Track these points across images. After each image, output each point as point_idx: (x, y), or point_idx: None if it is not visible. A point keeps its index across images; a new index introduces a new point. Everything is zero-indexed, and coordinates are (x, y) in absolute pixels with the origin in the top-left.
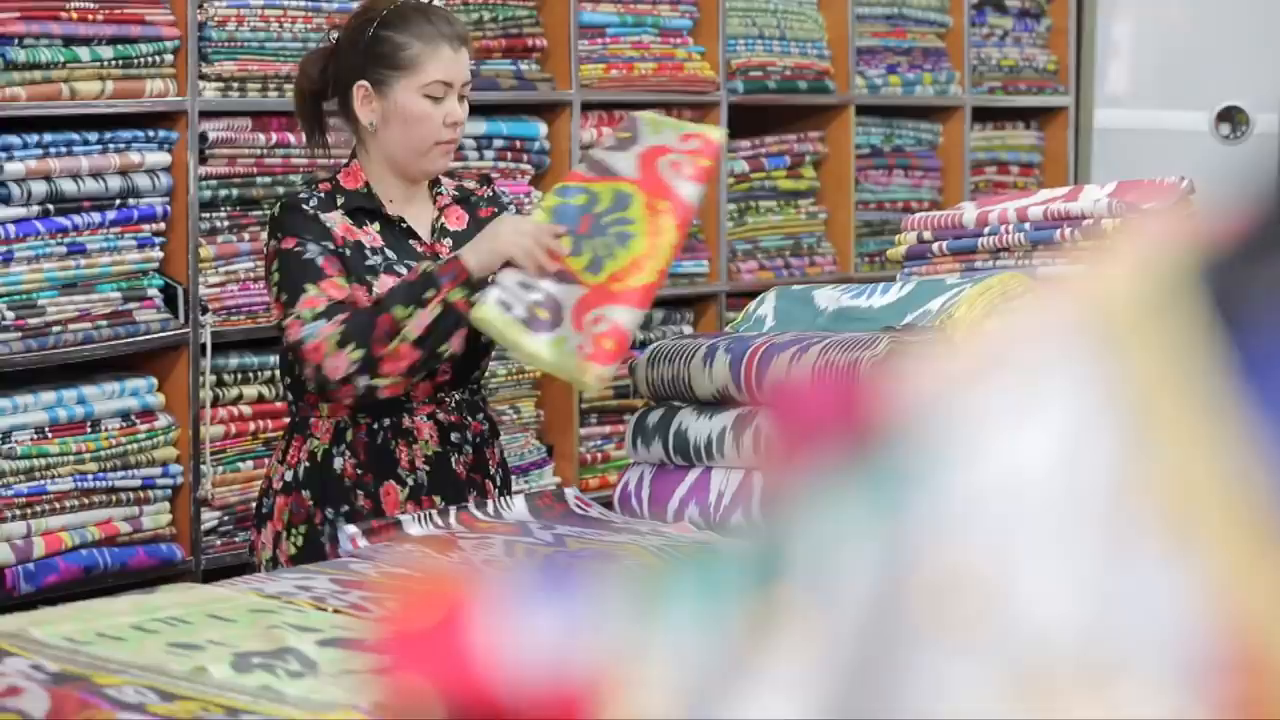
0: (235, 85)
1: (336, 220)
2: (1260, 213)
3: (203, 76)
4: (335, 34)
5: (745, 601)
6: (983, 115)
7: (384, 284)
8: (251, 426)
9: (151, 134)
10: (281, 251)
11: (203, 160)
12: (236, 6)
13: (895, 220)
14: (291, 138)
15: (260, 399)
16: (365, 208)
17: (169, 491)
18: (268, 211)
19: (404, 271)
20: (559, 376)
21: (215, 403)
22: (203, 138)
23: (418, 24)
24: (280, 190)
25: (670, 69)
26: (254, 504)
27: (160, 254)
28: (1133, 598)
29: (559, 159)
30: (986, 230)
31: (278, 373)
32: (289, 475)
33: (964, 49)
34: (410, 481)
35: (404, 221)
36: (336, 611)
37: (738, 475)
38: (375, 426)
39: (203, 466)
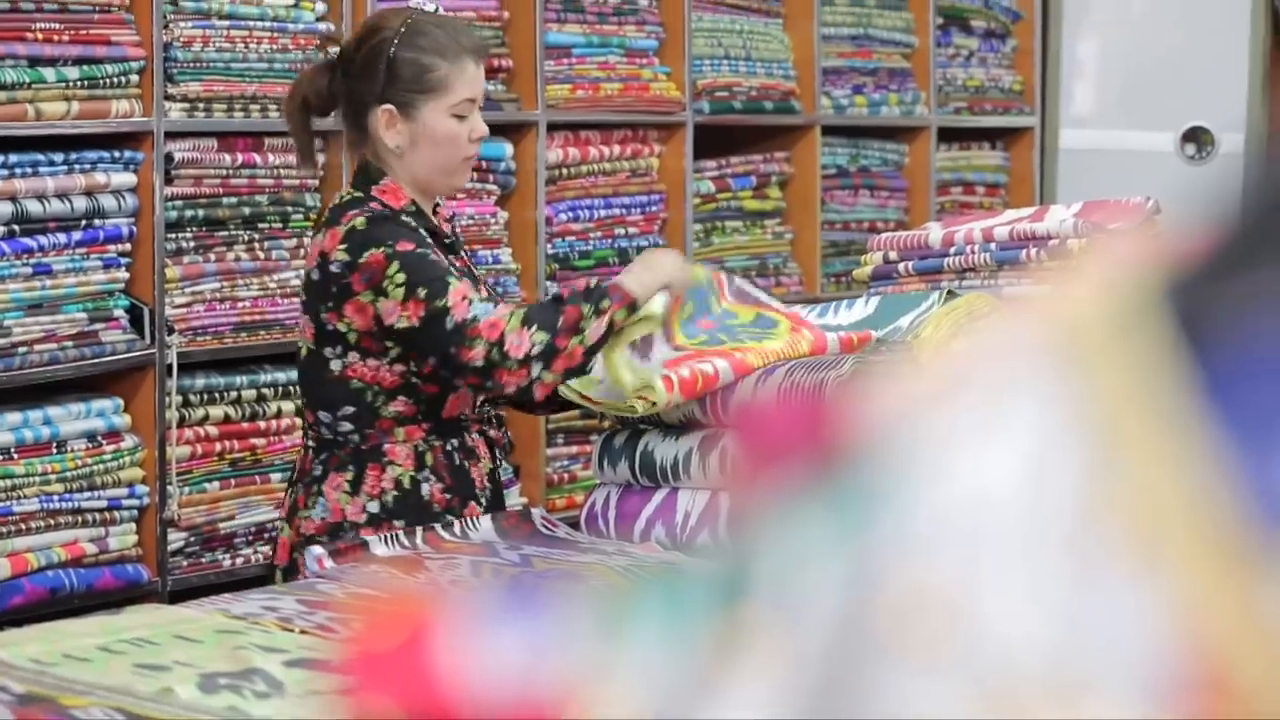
0: (201, 106)
1: (425, 239)
2: (1225, 232)
3: (168, 97)
4: (334, 50)
5: (711, 621)
6: (948, 135)
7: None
8: (218, 447)
9: (117, 154)
10: (401, 254)
11: (168, 181)
12: (202, 27)
13: (861, 241)
14: (257, 158)
15: (226, 419)
16: (426, 227)
17: (135, 512)
18: (235, 233)
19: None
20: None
21: (181, 423)
22: (168, 158)
23: (440, 42)
24: (246, 211)
25: (636, 89)
26: (306, 541)
27: (126, 275)
28: (1099, 617)
29: (525, 179)
30: (952, 250)
31: (306, 404)
32: (374, 507)
33: (929, 69)
34: (484, 500)
35: (447, 237)
36: (303, 632)
37: (704, 496)
38: (449, 448)
39: (169, 487)
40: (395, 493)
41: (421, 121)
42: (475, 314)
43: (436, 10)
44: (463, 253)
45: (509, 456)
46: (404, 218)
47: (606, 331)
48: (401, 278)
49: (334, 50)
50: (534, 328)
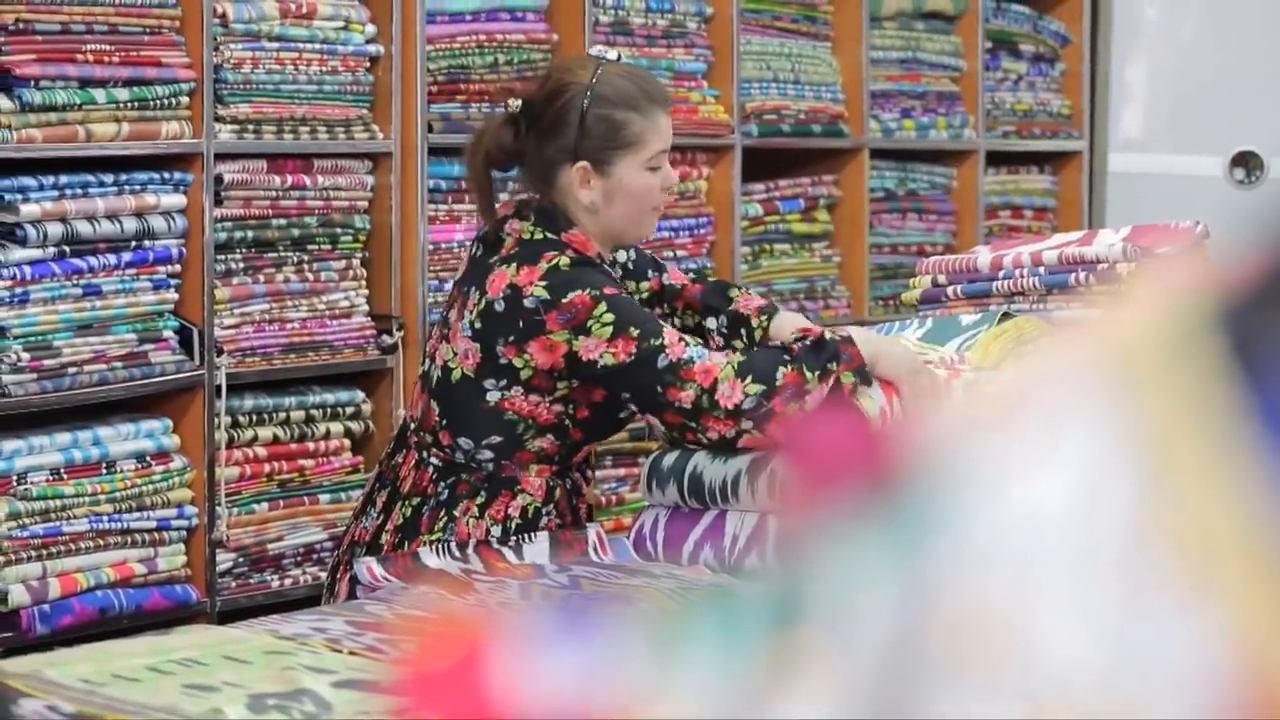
0: (250, 127)
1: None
2: (1276, 258)
3: (218, 118)
4: (517, 104)
5: (765, 643)
6: (997, 159)
7: None
8: (266, 468)
9: (167, 176)
10: (608, 296)
11: (218, 202)
12: (252, 49)
13: (909, 264)
14: (306, 180)
15: (275, 440)
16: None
17: (184, 533)
18: (284, 254)
19: None
20: None
21: (230, 444)
22: (218, 180)
23: (631, 96)
24: (295, 232)
25: (685, 112)
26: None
27: (175, 295)
28: (1150, 641)
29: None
30: (1001, 274)
31: (443, 425)
32: (496, 530)
33: (978, 93)
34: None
35: (626, 290)
36: (352, 653)
37: (753, 518)
38: (568, 485)
39: (218, 508)
40: (519, 520)
41: (617, 178)
42: (691, 355)
43: (619, 58)
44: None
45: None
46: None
47: (831, 391)
48: (610, 317)
49: (516, 103)
50: (749, 379)
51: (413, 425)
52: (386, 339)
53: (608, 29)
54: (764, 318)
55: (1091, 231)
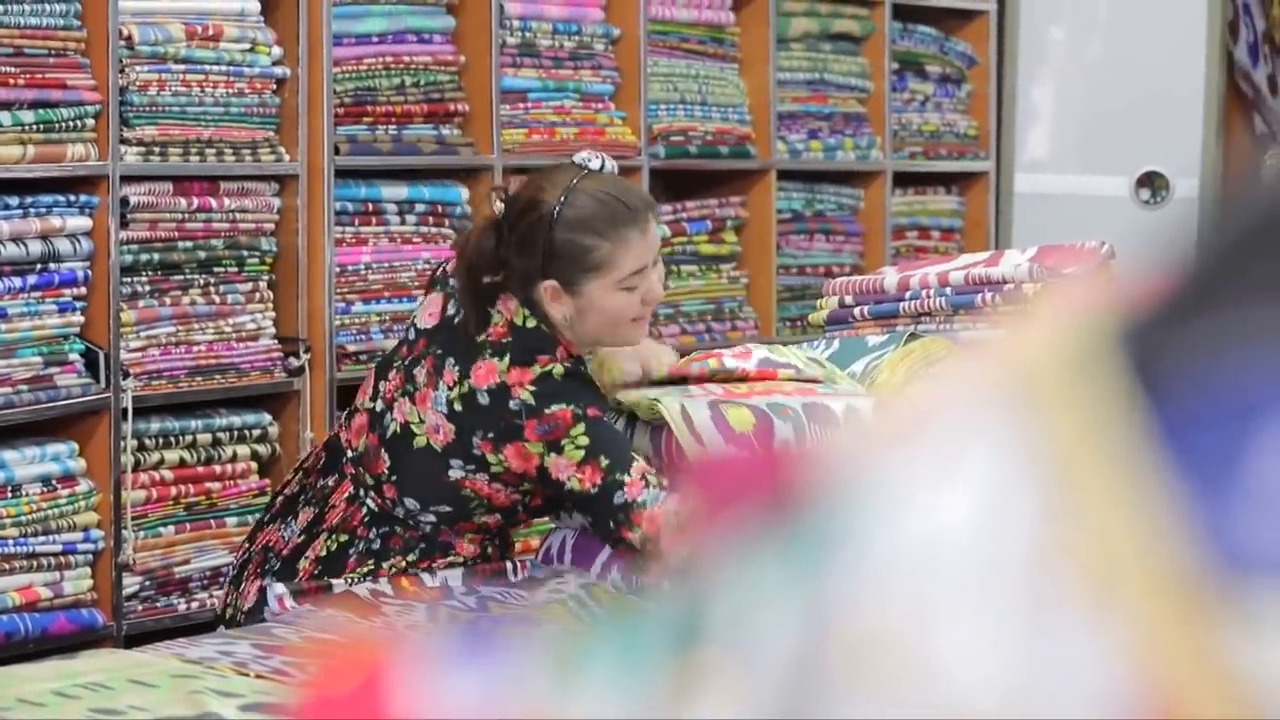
0: (156, 150)
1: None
2: (1180, 277)
3: (124, 141)
4: (500, 206)
5: (666, 663)
6: (904, 180)
7: None
8: (173, 491)
9: (72, 198)
10: (590, 418)
11: (124, 225)
12: (158, 71)
13: (817, 285)
14: (213, 202)
15: (182, 463)
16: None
17: (90, 557)
18: (190, 277)
19: None
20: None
21: (136, 468)
22: (124, 202)
23: (599, 219)
24: (201, 255)
25: (592, 134)
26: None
27: (81, 318)
28: (1054, 660)
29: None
30: (908, 295)
31: (391, 480)
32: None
33: (885, 114)
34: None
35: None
36: (259, 676)
37: None
38: (498, 542)
39: (124, 532)
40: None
41: (588, 298)
42: (645, 500)
43: (603, 167)
44: None
45: None
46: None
47: None
48: (585, 441)
49: (499, 207)
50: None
51: (350, 454)
52: (293, 361)
53: (515, 51)
54: None
55: (998, 252)
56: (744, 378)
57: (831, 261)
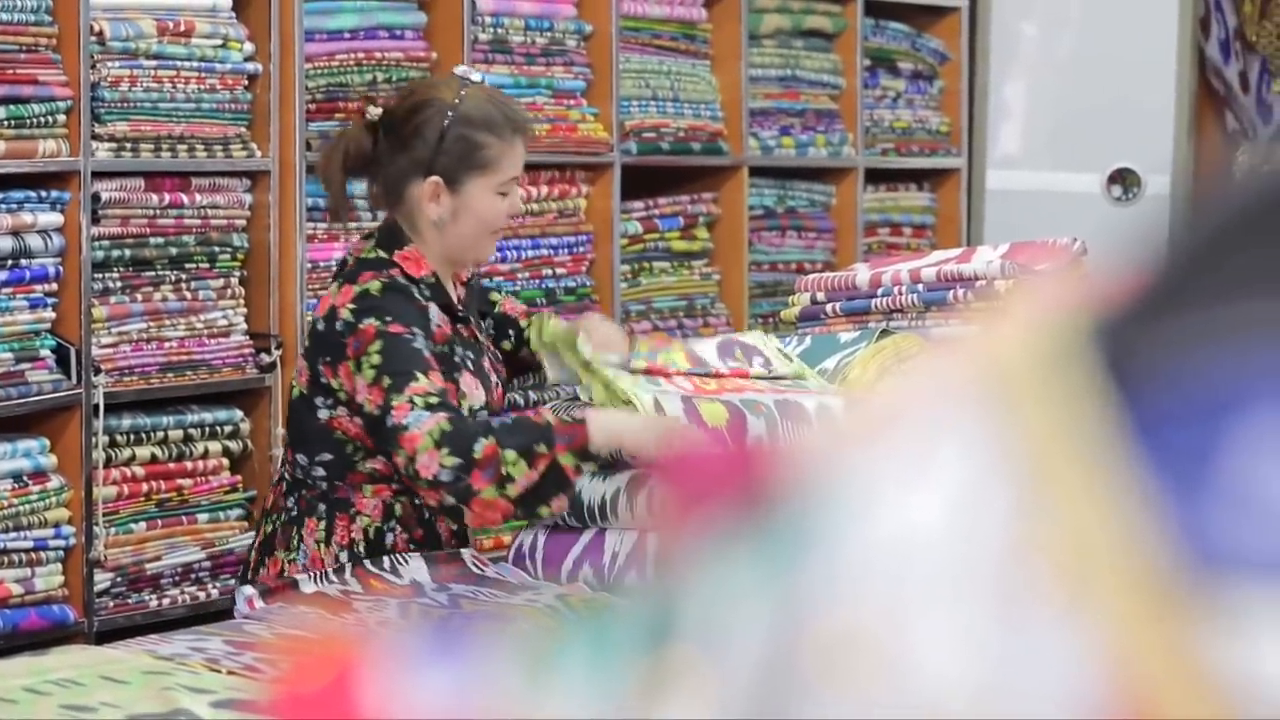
0: (128, 146)
1: (435, 315)
2: (1152, 274)
3: (95, 137)
4: (377, 111)
5: (638, 661)
6: (876, 177)
7: (465, 383)
8: (145, 488)
9: (44, 194)
10: (389, 334)
11: (95, 220)
12: (129, 67)
13: (789, 281)
14: (184, 198)
15: (153, 460)
16: (441, 301)
17: (61, 553)
18: (161, 273)
19: (472, 368)
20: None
21: (108, 464)
22: (95, 198)
23: (493, 120)
24: (173, 251)
25: (564, 130)
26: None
27: (52, 314)
28: (1026, 657)
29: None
30: (880, 291)
31: (288, 441)
32: (344, 556)
33: (857, 111)
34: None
35: (462, 309)
36: (230, 673)
37: (632, 537)
38: (417, 502)
39: (95, 528)
40: (364, 542)
41: (466, 197)
42: (408, 422)
43: (483, 81)
44: (471, 319)
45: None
46: (422, 288)
47: (544, 477)
48: (377, 360)
49: (376, 111)
50: (446, 451)
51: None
52: (265, 357)
53: (487, 47)
54: (527, 321)
55: (970, 249)
56: (716, 375)
57: (803, 258)
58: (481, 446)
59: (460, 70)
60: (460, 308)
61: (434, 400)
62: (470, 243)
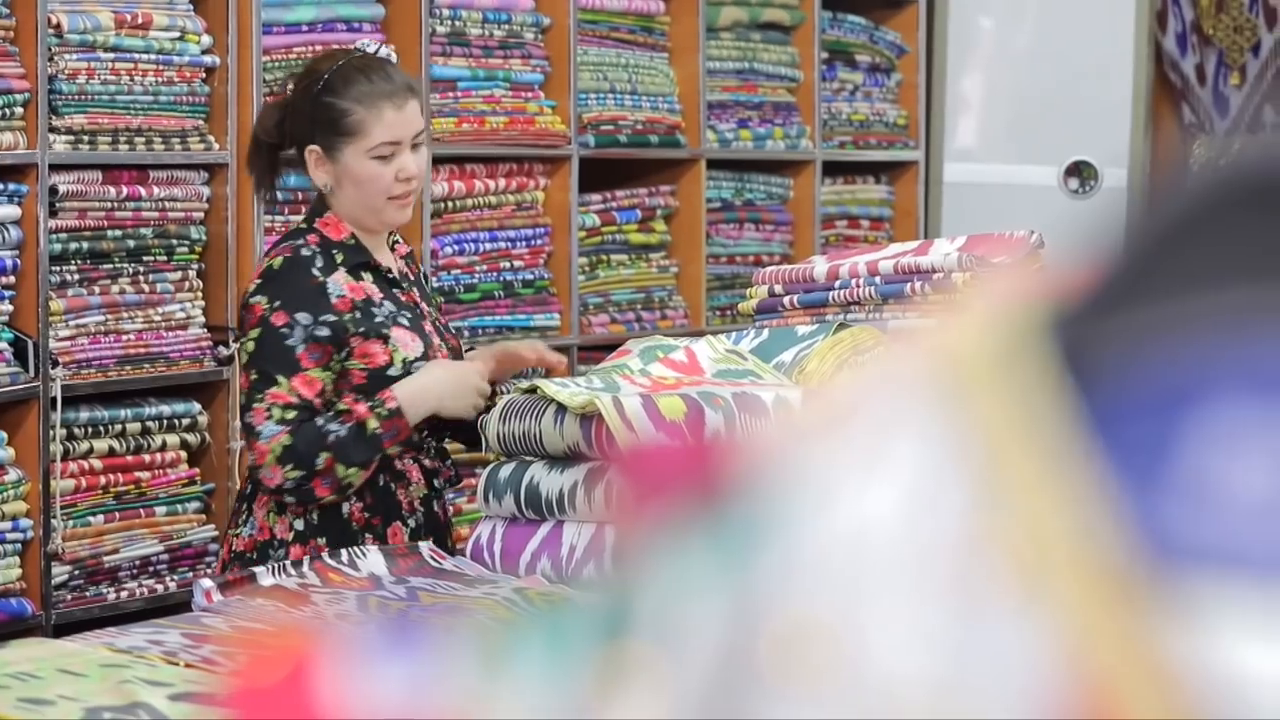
0: (85, 138)
1: (341, 281)
2: (1109, 267)
3: (53, 129)
4: (290, 85)
5: (594, 655)
6: (833, 169)
7: (397, 338)
8: (102, 481)
9: (1, 187)
10: (269, 324)
11: (52, 213)
12: (87, 59)
13: (746, 274)
14: (142, 191)
15: (111, 453)
16: (361, 261)
17: (19, 546)
18: (119, 265)
19: (406, 323)
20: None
21: (65, 457)
22: (52, 191)
23: (358, 86)
24: (131, 244)
25: (522, 123)
26: (235, 558)
27: (10, 307)
28: (983, 650)
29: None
30: (837, 284)
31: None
32: (299, 524)
33: (814, 104)
34: (411, 523)
35: (390, 271)
36: (188, 666)
37: (590, 529)
38: (375, 471)
39: (53, 521)
40: (318, 511)
41: (344, 164)
42: (260, 430)
43: (377, 50)
44: (413, 289)
45: (449, 488)
46: (335, 252)
47: (381, 467)
48: (251, 346)
49: (290, 86)
50: (289, 466)
51: None
52: (223, 350)
53: (445, 39)
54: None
55: (927, 241)
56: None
57: (761, 250)
58: (322, 460)
59: (360, 43)
60: (393, 273)
61: (289, 414)
62: (365, 207)
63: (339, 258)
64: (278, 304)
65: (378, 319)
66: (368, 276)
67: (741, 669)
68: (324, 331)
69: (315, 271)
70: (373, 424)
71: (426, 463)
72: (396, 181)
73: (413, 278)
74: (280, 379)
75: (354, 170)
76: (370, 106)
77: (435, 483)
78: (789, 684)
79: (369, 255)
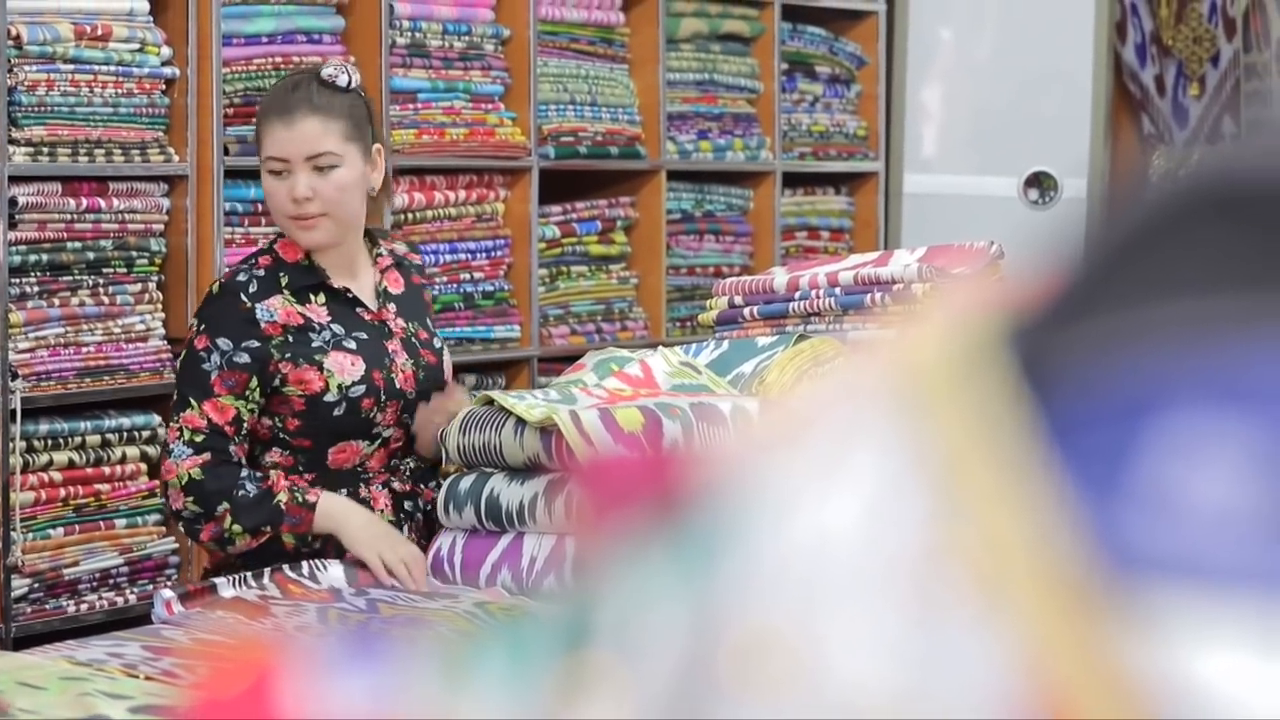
0: (45, 150)
1: (277, 306)
2: (1068, 277)
3: (12, 141)
4: None
5: (554, 665)
6: (793, 181)
7: (332, 360)
8: (62, 493)
9: None
10: (191, 346)
11: (12, 225)
12: (46, 71)
13: (707, 285)
14: (102, 203)
15: (71, 465)
16: (309, 283)
17: None
18: (79, 278)
19: (353, 346)
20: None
21: (25, 469)
22: (12, 202)
23: (267, 99)
24: (90, 256)
25: (482, 134)
26: (204, 572)
27: None
28: (943, 661)
29: (371, 223)
30: (797, 295)
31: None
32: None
33: (774, 115)
34: None
35: (349, 291)
36: (148, 679)
37: (550, 541)
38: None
39: (13, 533)
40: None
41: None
42: (172, 450)
43: (332, 69)
44: (390, 305)
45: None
46: (282, 274)
47: (265, 547)
48: (178, 365)
49: None
50: (192, 499)
51: None
52: None
53: (405, 51)
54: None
55: (887, 252)
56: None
57: (721, 262)
58: (221, 510)
59: (330, 60)
60: (352, 293)
61: (198, 438)
62: (280, 222)
63: (284, 280)
64: (203, 327)
65: (313, 344)
66: (318, 298)
67: (701, 679)
68: (243, 358)
69: (245, 298)
70: (282, 498)
71: (397, 486)
72: (291, 201)
73: (396, 291)
74: (193, 402)
75: (263, 182)
76: (264, 119)
77: (406, 505)
78: (748, 694)
79: (322, 277)
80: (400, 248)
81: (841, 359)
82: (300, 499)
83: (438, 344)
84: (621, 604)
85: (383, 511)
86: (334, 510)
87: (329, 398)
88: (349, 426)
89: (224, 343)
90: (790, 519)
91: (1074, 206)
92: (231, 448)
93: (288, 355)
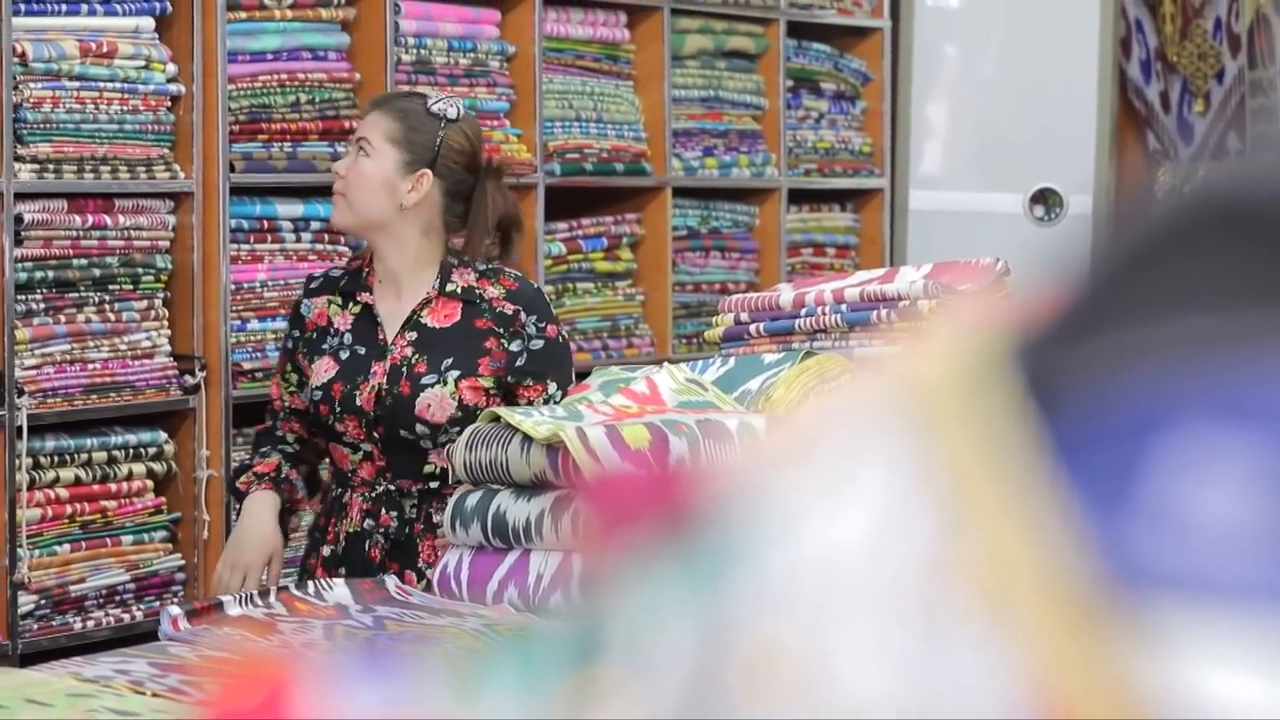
0: (51, 167)
1: (318, 305)
2: (1074, 294)
3: (18, 158)
4: None
5: (564, 681)
6: (799, 197)
7: (319, 363)
8: (68, 510)
9: None
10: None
11: (18, 242)
12: (52, 88)
13: (712, 302)
14: (108, 219)
15: (77, 482)
16: (352, 290)
17: None
18: (85, 294)
19: (343, 355)
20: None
21: (31, 486)
22: (18, 219)
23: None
24: (96, 272)
25: (488, 151)
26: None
27: None
28: (949, 675)
29: None
30: (803, 312)
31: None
32: (328, 551)
33: (780, 132)
34: (327, 552)
35: (374, 310)
36: (155, 695)
37: (557, 557)
38: (334, 493)
39: (19, 550)
40: (345, 544)
41: None
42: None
43: (449, 109)
44: (410, 333)
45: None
46: (336, 280)
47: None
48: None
49: None
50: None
51: None
52: (189, 379)
53: (410, 68)
54: None
55: (893, 269)
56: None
57: (727, 278)
58: (236, 468)
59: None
60: (376, 313)
61: (272, 404)
62: None
63: (342, 283)
64: (287, 313)
65: (322, 346)
66: (353, 307)
67: (711, 692)
68: (289, 345)
69: (304, 292)
70: (245, 478)
71: (368, 503)
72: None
73: (435, 323)
74: (276, 375)
75: None
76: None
77: (366, 524)
78: (758, 707)
79: (359, 287)
80: (494, 290)
81: (848, 376)
82: (249, 488)
83: (440, 389)
84: (631, 619)
85: (351, 520)
86: (243, 509)
87: (304, 396)
88: (323, 428)
89: (289, 333)
90: (798, 534)
91: (1079, 223)
92: (278, 420)
93: (304, 350)
